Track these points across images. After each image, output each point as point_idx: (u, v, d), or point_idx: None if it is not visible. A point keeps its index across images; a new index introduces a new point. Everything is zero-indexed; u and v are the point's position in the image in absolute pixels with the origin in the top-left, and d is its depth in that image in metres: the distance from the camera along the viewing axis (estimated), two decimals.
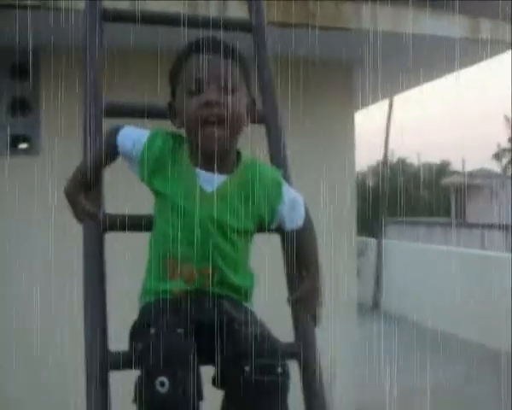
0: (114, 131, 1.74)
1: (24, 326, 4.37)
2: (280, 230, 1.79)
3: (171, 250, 1.66)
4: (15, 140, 4.80)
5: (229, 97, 1.65)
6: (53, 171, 3.86)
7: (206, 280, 1.66)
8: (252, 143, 1.93)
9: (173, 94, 1.75)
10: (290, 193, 1.78)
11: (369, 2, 4.46)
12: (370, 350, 6.75)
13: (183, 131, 1.72)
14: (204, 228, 1.65)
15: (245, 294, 1.74)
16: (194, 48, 1.70)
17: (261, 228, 1.76)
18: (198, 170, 1.68)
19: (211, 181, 1.68)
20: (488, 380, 7.09)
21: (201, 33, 1.79)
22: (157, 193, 1.71)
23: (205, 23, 2.01)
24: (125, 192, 2.92)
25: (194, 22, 1.98)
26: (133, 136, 1.72)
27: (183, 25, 1.97)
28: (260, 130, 1.98)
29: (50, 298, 4.28)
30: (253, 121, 1.86)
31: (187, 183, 1.67)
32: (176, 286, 1.66)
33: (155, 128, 1.73)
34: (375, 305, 13.34)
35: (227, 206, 1.67)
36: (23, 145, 4.88)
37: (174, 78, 1.73)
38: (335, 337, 4.31)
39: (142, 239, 1.80)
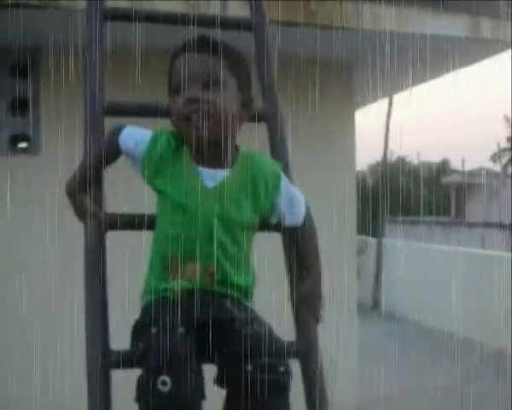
0: (116, 131, 1.74)
1: (24, 326, 4.37)
2: (280, 227, 1.80)
3: (174, 249, 1.66)
4: (15, 139, 4.80)
5: (214, 94, 1.66)
6: (53, 170, 3.85)
7: (209, 279, 1.66)
8: (255, 143, 1.92)
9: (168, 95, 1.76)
10: (289, 187, 1.79)
11: (370, 2, 4.46)
12: (371, 350, 6.75)
13: None
14: (207, 225, 1.65)
15: (247, 292, 1.74)
16: (182, 48, 1.72)
17: (263, 224, 1.76)
18: (199, 167, 1.69)
19: (212, 177, 1.69)
20: (489, 379, 7.10)
21: (202, 32, 1.79)
22: (159, 192, 1.71)
23: (206, 22, 2.02)
24: (126, 192, 2.92)
25: (195, 21, 1.98)
26: (136, 135, 1.72)
27: (184, 24, 1.97)
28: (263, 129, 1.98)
29: (51, 298, 4.28)
30: (253, 120, 1.87)
31: (188, 180, 1.68)
32: (178, 285, 1.66)
33: (158, 128, 1.74)
34: (375, 304, 13.33)
35: (229, 200, 1.68)
36: (23, 144, 4.88)
37: (168, 78, 1.75)
38: (336, 337, 4.32)
39: (143, 237, 1.80)
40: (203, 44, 1.69)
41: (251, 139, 1.92)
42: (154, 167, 1.69)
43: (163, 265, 1.69)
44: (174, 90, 1.70)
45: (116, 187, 2.13)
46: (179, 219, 1.66)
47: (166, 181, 1.68)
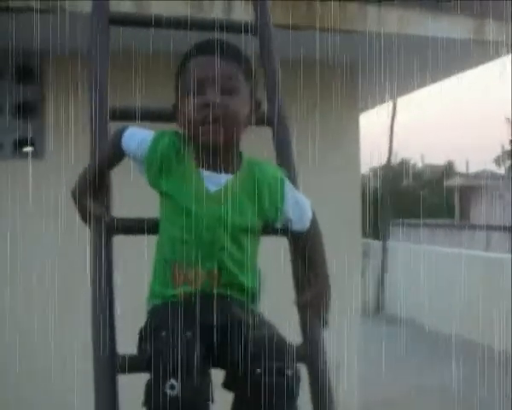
0: (119, 132, 1.75)
1: (26, 328, 4.37)
2: (287, 231, 1.79)
3: (178, 253, 1.66)
4: (20, 143, 4.80)
5: (229, 99, 1.65)
6: (57, 174, 3.86)
7: (214, 282, 1.66)
8: (259, 146, 1.92)
9: (177, 96, 1.75)
10: (294, 192, 1.78)
11: (375, 4, 4.45)
12: (374, 352, 6.74)
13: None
14: (211, 228, 1.65)
15: (252, 295, 1.73)
16: (196, 50, 1.71)
17: (267, 228, 1.76)
18: (203, 171, 1.69)
19: (216, 181, 1.69)
20: (491, 381, 7.07)
21: (208, 36, 1.78)
22: (162, 194, 1.70)
23: (209, 26, 2.01)
24: (130, 196, 2.92)
25: (200, 25, 1.98)
26: (138, 136, 1.72)
27: (190, 28, 1.96)
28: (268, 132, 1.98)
29: (55, 302, 4.27)
30: (259, 123, 1.86)
31: (192, 184, 1.67)
32: (182, 289, 1.66)
33: (160, 129, 1.73)
34: (379, 307, 13.31)
35: (232, 205, 1.68)
36: (27, 149, 4.88)
37: (177, 80, 1.74)
38: (339, 339, 4.30)
39: (148, 240, 1.79)
40: (216, 48, 1.68)
41: (255, 143, 1.91)
42: (156, 169, 1.68)
43: (167, 269, 1.69)
44: (187, 93, 1.68)
45: (121, 191, 2.13)
46: (182, 222, 1.65)
47: (170, 183, 1.68)
